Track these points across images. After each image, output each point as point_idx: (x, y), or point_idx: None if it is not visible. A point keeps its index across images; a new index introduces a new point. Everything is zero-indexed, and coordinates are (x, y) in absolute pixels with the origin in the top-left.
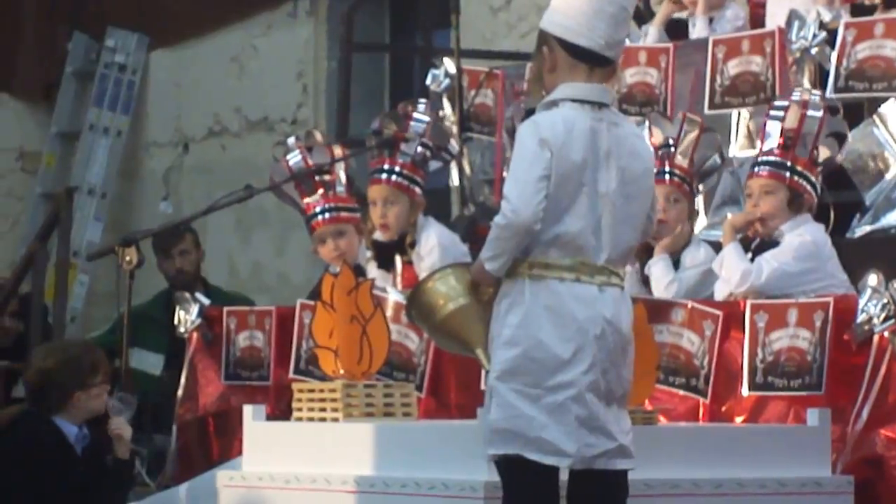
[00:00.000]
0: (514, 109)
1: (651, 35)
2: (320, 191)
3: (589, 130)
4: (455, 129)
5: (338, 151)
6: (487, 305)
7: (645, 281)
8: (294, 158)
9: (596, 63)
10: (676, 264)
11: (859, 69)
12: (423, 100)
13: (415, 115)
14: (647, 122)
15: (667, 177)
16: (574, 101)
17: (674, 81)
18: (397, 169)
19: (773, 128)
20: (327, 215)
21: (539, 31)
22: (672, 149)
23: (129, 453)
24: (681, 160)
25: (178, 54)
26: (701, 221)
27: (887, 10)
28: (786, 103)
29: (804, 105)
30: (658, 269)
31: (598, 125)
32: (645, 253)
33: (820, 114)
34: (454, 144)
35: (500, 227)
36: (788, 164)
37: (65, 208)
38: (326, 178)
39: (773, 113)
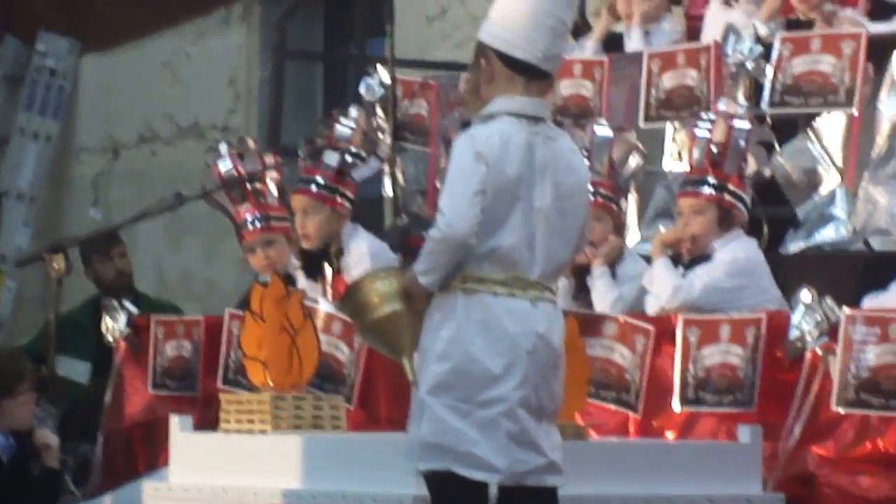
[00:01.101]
0: (450, 120)
1: (588, 49)
2: (250, 199)
3: (525, 144)
4: (388, 139)
5: (269, 160)
6: (418, 315)
7: (576, 296)
8: (225, 165)
9: (533, 76)
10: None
11: (795, 84)
12: (352, 107)
13: (340, 121)
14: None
15: (605, 195)
16: (510, 114)
17: (609, 94)
18: (317, 179)
19: (701, 143)
20: (257, 224)
21: (477, 42)
22: (606, 161)
23: (58, 462)
24: (598, 175)
25: (110, 59)
26: (634, 234)
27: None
28: (712, 116)
29: (730, 117)
30: (602, 284)
31: (534, 139)
32: (575, 269)
33: (747, 126)
34: (383, 149)
35: (435, 241)
36: (717, 182)
37: None
38: (257, 186)
39: (700, 126)
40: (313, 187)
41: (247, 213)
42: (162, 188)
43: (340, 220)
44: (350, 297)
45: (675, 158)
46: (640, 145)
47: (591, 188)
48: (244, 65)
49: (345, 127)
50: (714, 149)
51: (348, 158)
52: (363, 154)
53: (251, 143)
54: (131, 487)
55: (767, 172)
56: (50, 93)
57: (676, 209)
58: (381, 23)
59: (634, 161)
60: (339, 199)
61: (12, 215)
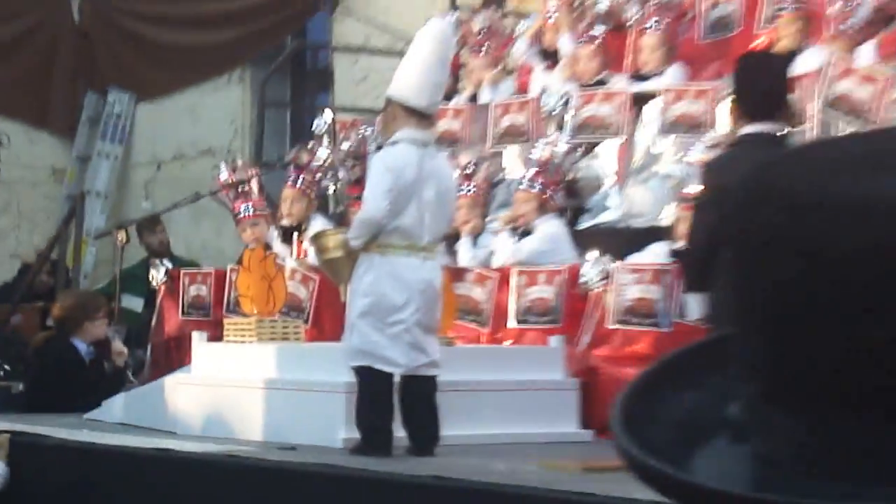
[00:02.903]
0: (353, 144)
1: (461, 102)
2: (241, 197)
3: (417, 160)
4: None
5: (253, 171)
6: (353, 261)
7: (449, 252)
8: (224, 175)
9: (422, 117)
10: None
11: (585, 123)
12: (323, 143)
13: (318, 151)
14: (453, 153)
15: (471, 191)
16: (408, 141)
17: (469, 130)
18: (302, 178)
19: (532, 159)
20: (247, 212)
21: (386, 96)
22: (471, 171)
23: (124, 363)
24: (477, 179)
25: (156, 105)
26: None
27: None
28: (542, 143)
29: (553, 144)
30: (464, 248)
31: (422, 157)
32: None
33: (563, 150)
34: (343, 171)
35: (361, 221)
36: (540, 182)
37: (80, 205)
38: (246, 188)
39: (535, 149)
40: (299, 183)
41: (240, 205)
42: (188, 189)
43: (311, 208)
44: (317, 240)
45: (511, 170)
46: (504, 165)
47: (463, 187)
48: (241, 110)
49: (324, 150)
50: (540, 163)
51: (324, 169)
52: (334, 168)
53: (240, 161)
54: (167, 378)
55: (571, 177)
56: (117, 128)
57: (513, 199)
58: (327, 82)
59: (500, 176)
60: (312, 195)
61: (92, 206)
